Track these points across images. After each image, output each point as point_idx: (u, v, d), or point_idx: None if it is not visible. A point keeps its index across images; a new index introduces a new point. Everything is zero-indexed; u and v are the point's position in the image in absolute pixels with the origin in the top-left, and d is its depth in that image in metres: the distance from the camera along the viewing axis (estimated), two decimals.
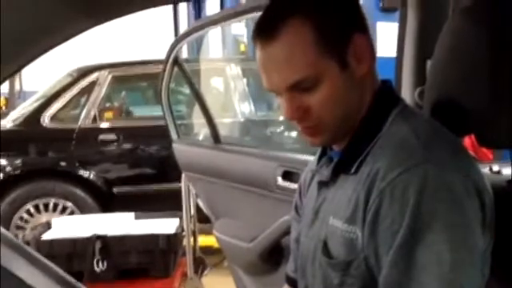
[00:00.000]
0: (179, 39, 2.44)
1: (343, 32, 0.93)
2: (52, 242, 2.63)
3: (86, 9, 0.98)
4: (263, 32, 0.92)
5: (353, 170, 0.94)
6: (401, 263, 0.84)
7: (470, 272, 0.84)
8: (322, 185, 1.03)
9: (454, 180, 0.85)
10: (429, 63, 1.35)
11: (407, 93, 1.44)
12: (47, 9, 0.93)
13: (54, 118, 4.29)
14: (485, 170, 1.27)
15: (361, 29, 0.95)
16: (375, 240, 0.87)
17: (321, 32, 0.91)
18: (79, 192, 4.17)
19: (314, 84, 0.91)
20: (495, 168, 1.31)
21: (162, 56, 2.48)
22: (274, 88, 0.94)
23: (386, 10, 4.97)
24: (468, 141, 1.66)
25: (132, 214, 2.98)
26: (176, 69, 2.43)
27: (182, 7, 8.79)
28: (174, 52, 2.38)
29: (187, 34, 2.38)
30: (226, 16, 2.11)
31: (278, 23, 0.91)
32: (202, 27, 2.30)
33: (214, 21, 2.20)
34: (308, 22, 0.90)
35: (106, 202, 4.20)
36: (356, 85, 0.95)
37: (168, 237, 2.63)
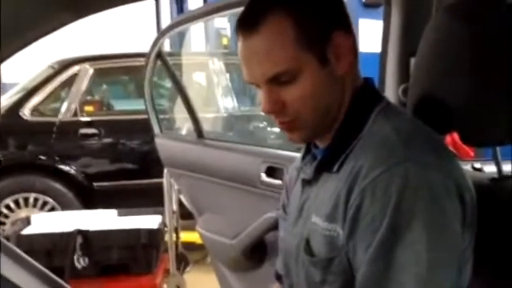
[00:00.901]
0: (163, 33, 2.42)
1: (324, 29, 0.93)
2: (32, 237, 2.60)
3: (68, 2, 0.97)
4: (245, 25, 0.93)
5: (335, 169, 0.94)
6: (380, 262, 0.84)
7: (448, 272, 0.84)
8: (306, 183, 1.03)
9: (435, 179, 0.85)
10: (413, 60, 1.35)
11: (391, 90, 1.44)
12: (29, 2, 0.92)
13: (34, 110, 4.24)
14: (467, 167, 1.28)
15: (343, 27, 0.96)
16: (354, 237, 0.87)
17: (301, 27, 0.91)
18: (59, 187, 4.13)
19: (293, 78, 0.92)
20: (477, 165, 1.32)
21: (144, 49, 2.46)
22: (254, 80, 0.95)
23: (369, 6, 4.99)
24: (449, 138, 1.67)
25: (114, 211, 2.96)
26: (159, 63, 2.41)
27: (164, 0, 8.73)
28: (158, 46, 2.36)
29: (171, 28, 2.37)
30: (210, 10, 2.09)
31: (259, 17, 0.92)
32: (185, 21, 2.28)
33: (198, 15, 2.18)
34: (289, 17, 0.91)
35: (87, 197, 4.17)
36: (336, 82, 0.95)
37: (150, 232, 2.62)
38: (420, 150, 0.88)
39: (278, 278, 1.19)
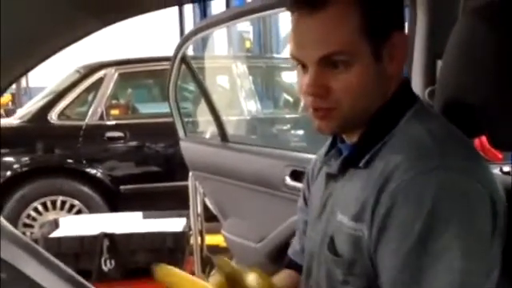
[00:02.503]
0: (186, 37, 2.44)
1: (386, 26, 0.94)
2: (60, 240, 2.64)
3: (95, 10, 0.98)
4: (312, 1, 0.92)
5: (362, 165, 0.93)
6: (411, 268, 0.83)
7: (479, 281, 0.83)
8: (330, 177, 1.02)
9: (470, 187, 0.84)
10: (439, 63, 1.34)
11: (417, 92, 1.42)
12: (57, 10, 0.93)
13: (61, 114, 4.30)
14: (495, 170, 1.26)
15: (402, 28, 0.97)
16: (383, 241, 0.86)
17: (366, 17, 0.91)
18: (86, 190, 4.18)
19: (344, 64, 0.91)
20: (505, 169, 1.30)
21: (168, 53, 2.48)
22: (303, 57, 0.93)
23: None
24: (477, 142, 1.65)
25: (140, 214, 2.99)
26: (183, 66, 2.43)
27: (188, 5, 8.78)
28: (182, 50, 2.38)
29: (194, 33, 2.38)
30: (233, 15, 2.10)
31: None
32: (208, 26, 2.30)
33: (221, 20, 2.19)
34: (357, 5, 0.91)
35: (113, 200, 4.21)
36: (383, 82, 0.94)
37: (175, 235, 2.64)
38: (455, 155, 0.87)
39: (289, 263, 1.17)
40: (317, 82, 0.92)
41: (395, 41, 0.94)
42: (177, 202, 3.13)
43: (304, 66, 0.94)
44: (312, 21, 0.92)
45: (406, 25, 1.48)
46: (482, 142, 1.55)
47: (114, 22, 1.03)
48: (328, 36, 0.91)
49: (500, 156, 2.22)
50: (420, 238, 0.82)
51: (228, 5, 7.38)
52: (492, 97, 0.94)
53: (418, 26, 1.44)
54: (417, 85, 1.43)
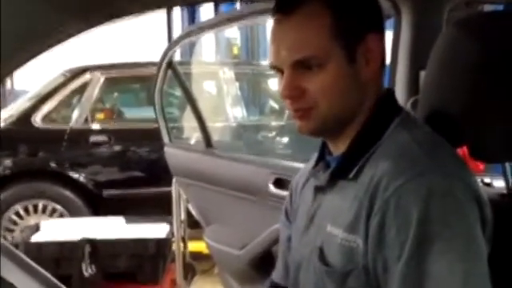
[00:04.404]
0: (174, 43, 2.43)
1: (360, 28, 0.94)
2: (41, 245, 2.61)
3: (79, 12, 0.97)
4: (284, 6, 0.94)
5: (351, 176, 0.93)
6: (412, 276, 0.82)
7: (482, 280, 0.83)
8: (318, 190, 1.02)
9: (459, 189, 0.85)
10: (422, 74, 1.35)
11: (400, 103, 1.43)
12: (41, 11, 0.92)
13: (45, 118, 4.27)
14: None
15: (378, 32, 0.96)
16: (382, 250, 0.86)
17: (338, 20, 0.92)
18: (69, 194, 4.14)
19: (318, 66, 0.92)
20: (487, 180, 1.31)
21: (155, 58, 2.47)
22: (279, 63, 0.95)
23: None
24: (460, 151, 1.66)
25: (122, 219, 2.97)
26: (169, 72, 2.42)
27: (176, 10, 8.78)
28: (168, 55, 2.37)
29: (182, 38, 2.38)
30: (221, 21, 2.10)
31: (300, 1, 0.93)
32: (196, 32, 2.30)
33: (209, 26, 2.19)
34: (328, 8, 0.92)
35: (96, 204, 4.18)
36: (358, 85, 0.95)
37: (157, 241, 2.62)
38: (442, 160, 0.88)
39: (273, 287, 1.17)
40: (292, 85, 0.93)
41: (370, 43, 0.94)
42: (160, 208, 3.12)
43: (282, 73, 0.95)
44: (284, 26, 0.94)
45: (391, 34, 1.50)
46: (464, 152, 1.56)
47: (99, 24, 1.02)
48: (299, 41, 0.92)
49: (481, 167, 2.24)
50: (417, 244, 0.82)
51: (216, 11, 7.39)
52: (473, 108, 0.95)
53: (402, 37, 1.45)
54: (400, 95, 1.44)
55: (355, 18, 0.94)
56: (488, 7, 2.19)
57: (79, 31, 0.99)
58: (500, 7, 1.98)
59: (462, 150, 1.21)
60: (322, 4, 0.92)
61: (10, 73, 1.03)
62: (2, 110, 5.03)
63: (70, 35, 0.98)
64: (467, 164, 0.93)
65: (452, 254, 0.81)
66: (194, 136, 3.34)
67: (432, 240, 0.82)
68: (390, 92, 1.01)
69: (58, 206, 4.12)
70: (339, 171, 0.96)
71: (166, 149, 2.51)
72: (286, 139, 4.31)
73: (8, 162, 4.15)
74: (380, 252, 0.86)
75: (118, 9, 1.00)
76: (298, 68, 0.93)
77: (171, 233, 2.89)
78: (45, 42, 0.97)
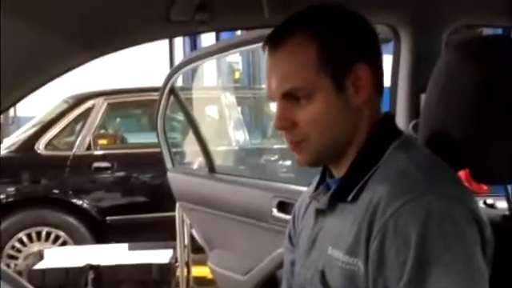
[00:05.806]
0: (176, 69, 2.46)
1: (346, 59, 0.95)
2: (44, 272, 2.60)
3: (84, 43, 0.99)
4: (271, 40, 0.97)
5: (350, 199, 0.94)
6: None
7: None
8: (319, 213, 1.02)
9: (457, 211, 0.85)
10: (423, 97, 1.36)
11: (401, 126, 1.43)
12: (47, 43, 0.94)
13: (48, 144, 4.28)
14: (479, 202, 1.27)
15: (368, 60, 0.96)
16: (382, 272, 0.86)
17: (324, 52, 0.93)
18: (72, 221, 4.13)
19: (307, 97, 0.93)
20: (489, 201, 1.31)
21: (157, 84, 2.50)
22: (271, 94, 0.97)
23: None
24: (462, 173, 1.66)
25: (126, 245, 2.96)
26: (172, 98, 2.44)
27: (178, 37, 8.86)
28: (171, 81, 2.40)
29: (184, 65, 2.41)
30: (222, 48, 2.13)
31: (286, 34, 0.95)
32: (198, 58, 2.33)
33: (211, 52, 2.22)
34: (314, 40, 0.93)
35: (100, 231, 4.16)
36: (350, 112, 0.95)
37: (161, 267, 2.61)
38: (441, 182, 0.88)
39: None
40: (282, 116, 0.95)
41: (359, 72, 0.95)
42: (164, 233, 3.11)
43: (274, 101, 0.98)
44: (274, 58, 0.96)
45: (390, 58, 1.51)
46: (466, 174, 1.56)
47: (103, 54, 1.04)
48: (287, 73, 0.94)
49: (485, 188, 2.23)
50: (417, 267, 0.82)
51: (218, 37, 7.47)
52: (473, 131, 0.96)
53: (401, 60, 1.47)
54: (400, 118, 1.45)
55: (342, 47, 0.95)
56: (487, 31, 2.21)
57: (86, 61, 1.01)
58: (499, 30, 2.00)
59: (465, 172, 1.21)
60: (309, 35, 0.94)
61: (12, 105, 1.05)
62: (6, 139, 5.06)
63: (77, 65, 1.00)
64: (466, 186, 0.93)
65: (452, 277, 0.81)
66: (196, 161, 3.35)
67: (432, 263, 0.82)
68: (389, 116, 1.02)
69: (62, 233, 4.10)
70: (339, 194, 0.97)
71: (169, 174, 2.52)
72: (288, 162, 4.31)
73: (11, 189, 4.16)
74: (380, 273, 0.86)
75: (122, 42, 1.02)
76: (288, 100, 0.94)
77: (175, 258, 2.88)
78: (52, 71, 0.99)
